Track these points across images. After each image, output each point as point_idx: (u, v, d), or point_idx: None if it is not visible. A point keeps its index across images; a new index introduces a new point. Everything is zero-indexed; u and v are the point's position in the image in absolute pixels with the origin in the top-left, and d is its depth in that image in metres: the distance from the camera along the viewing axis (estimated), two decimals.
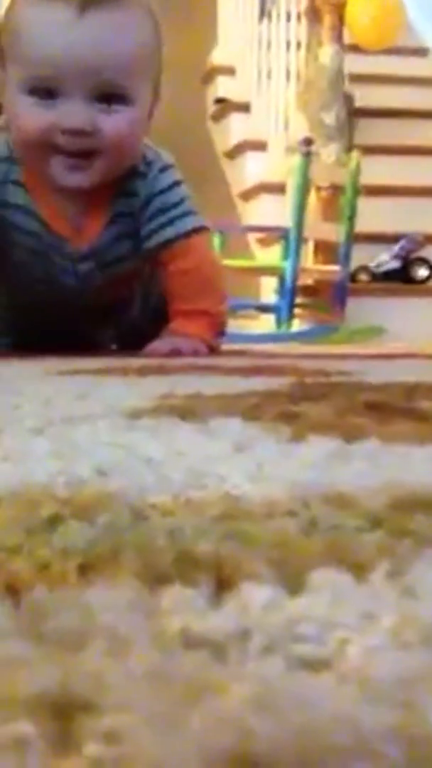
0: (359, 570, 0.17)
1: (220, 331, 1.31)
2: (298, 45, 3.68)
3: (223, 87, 4.10)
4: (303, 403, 0.44)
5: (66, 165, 1.09)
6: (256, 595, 0.15)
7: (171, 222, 1.21)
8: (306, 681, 0.12)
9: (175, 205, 1.21)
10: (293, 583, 0.16)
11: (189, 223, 1.21)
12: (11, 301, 1.34)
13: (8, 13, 1.11)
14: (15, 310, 1.35)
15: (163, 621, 0.14)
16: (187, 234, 1.21)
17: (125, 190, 1.19)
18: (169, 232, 1.21)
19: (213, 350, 1.24)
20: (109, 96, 1.08)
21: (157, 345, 1.17)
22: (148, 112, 1.16)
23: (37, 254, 1.22)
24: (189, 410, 0.42)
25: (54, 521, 0.21)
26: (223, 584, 0.16)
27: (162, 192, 1.20)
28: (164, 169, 1.22)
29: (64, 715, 0.11)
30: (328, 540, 0.18)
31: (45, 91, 1.06)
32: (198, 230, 1.23)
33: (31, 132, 1.07)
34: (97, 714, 0.11)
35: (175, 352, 1.13)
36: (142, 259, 1.25)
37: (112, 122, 1.08)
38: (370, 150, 3.33)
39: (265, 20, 3.86)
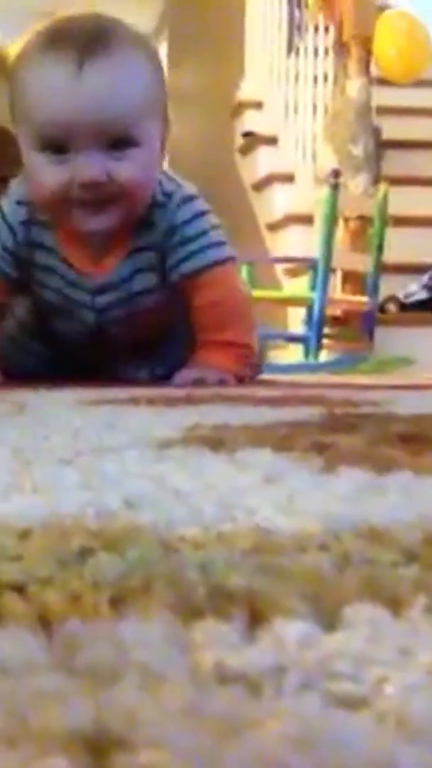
0: (395, 605, 0.16)
1: (251, 363, 1.29)
2: (326, 78, 3.71)
3: (250, 121, 4.14)
4: (333, 434, 0.43)
5: (85, 213, 1.11)
6: (291, 631, 0.15)
7: (193, 254, 1.20)
8: (343, 719, 0.12)
9: (198, 236, 1.21)
10: (328, 618, 0.16)
11: (212, 255, 1.21)
12: (42, 330, 1.35)
13: (12, 71, 1.13)
14: (47, 339, 1.35)
15: (196, 656, 0.14)
16: (210, 266, 1.20)
17: (144, 222, 1.19)
18: (191, 265, 1.20)
19: (242, 381, 1.22)
20: (120, 141, 1.09)
21: (182, 374, 1.16)
22: (161, 144, 1.17)
23: (57, 290, 1.23)
24: (218, 441, 0.42)
25: (84, 553, 0.21)
26: (256, 619, 0.16)
27: (184, 223, 1.20)
28: (186, 200, 1.22)
29: (98, 751, 0.11)
30: (362, 575, 0.18)
31: (56, 148, 1.08)
32: (223, 261, 1.22)
33: (48, 189, 1.10)
34: (131, 751, 0.11)
35: (201, 381, 1.12)
36: (171, 291, 1.24)
37: (126, 169, 1.09)
38: (397, 181, 3.35)
39: (293, 54, 3.90)
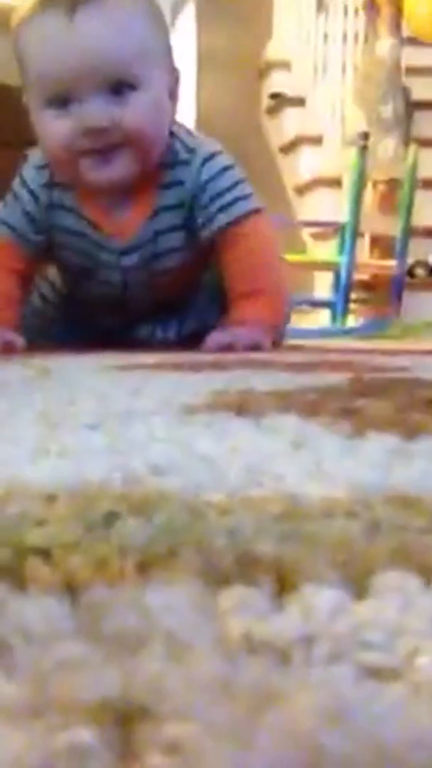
0: (426, 573, 0.16)
1: (285, 313, 1.27)
2: (356, 38, 3.65)
3: (278, 81, 4.08)
4: (361, 400, 0.43)
5: (93, 163, 1.10)
6: (320, 599, 0.14)
7: (226, 207, 1.19)
8: (375, 691, 0.11)
9: (227, 190, 1.19)
10: (358, 586, 0.15)
11: (242, 207, 1.19)
12: (67, 296, 1.34)
13: (14, 38, 1.13)
14: (72, 306, 1.35)
15: (224, 624, 0.14)
16: (244, 216, 1.19)
17: (168, 180, 1.18)
18: (225, 217, 1.19)
19: (274, 340, 1.19)
20: (120, 86, 1.08)
21: (214, 337, 1.13)
22: (169, 94, 1.15)
23: (84, 252, 1.22)
24: (244, 406, 0.41)
25: (111, 518, 0.21)
26: (284, 586, 0.16)
27: (212, 179, 1.19)
28: (211, 156, 1.20)
29: (124, 722, 0.11)
30: (392, 542, 0.18)
31: (60, 101, 1.08)
32: (252, 213, 1.20)
33: (57, 142, 1.09)
34: (157, 722, 0.11)
35: (233, 347, 1.10)
36: (197, 250, 1.22)
37: (130, 112, 1.08)
38: (428, 143, 3.29)
39: (323, 14, 3.83)
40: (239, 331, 1.13)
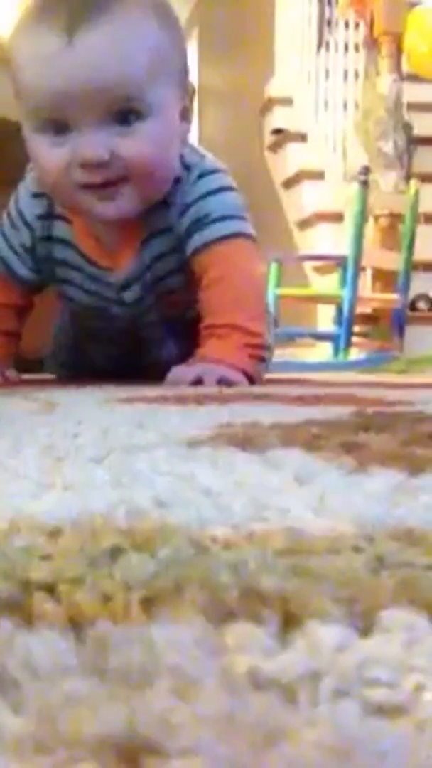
0: None
1: (260, 356, 1.08)
2: (356, 74, 3.70)
3: (280, 117, 4.13)
4: (365, 434, 0.43)
5: (94, 198, 0.99)
6: (326, 635, 0.14)
7: (201, 228, 1.06)
8: (381, 728, 0.11)
9: (213, 210, 1.06)
10: (363, 622, 0.15)
11: (222, 229, 1.06)
12: (74, 332, 1.31)
13: (9, 46, 1.01)
14: (78, 341, 1.31)
15: (229, 660, 0.14)
16: (219, 240, 1.05)
17: (157, 202, 1.05)
18: (196, 240, 1.06)
19: (252, 379, 1.03)
20: (126, 114, 0.95)
21: (176, 372, 0.99)
22: (181, 116, 1.02)
23: (84, 288, 1.14)
24: (248, 440, 0.41)
25: (115, 553, 0.21)
26: (289, 622, 0.16)
27: (201, 198, 1.06)
28: (206, 173, 1.07)
29: (130, 757, 0.11)
30: (397, 578, 0.18)
31: (56, 127, 0.96)
32: (234, 236, 1.06)
33: (51, 173, 0.98)
34: (164, 757, 0.11)
35: (199, 381, 0.96)
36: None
37: (133, 145, 0.95)
38: (429, 178, 3.32)
39: (323, 50, 3.88)
40: (208, 367, 0.99)
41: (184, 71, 1.03)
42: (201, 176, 1.07)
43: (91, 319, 1.22)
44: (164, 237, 1.09)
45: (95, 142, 0.95)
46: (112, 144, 0.95)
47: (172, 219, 1.07)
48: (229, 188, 1.09)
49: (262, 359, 1.08)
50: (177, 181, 1.05)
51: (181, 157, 1.06)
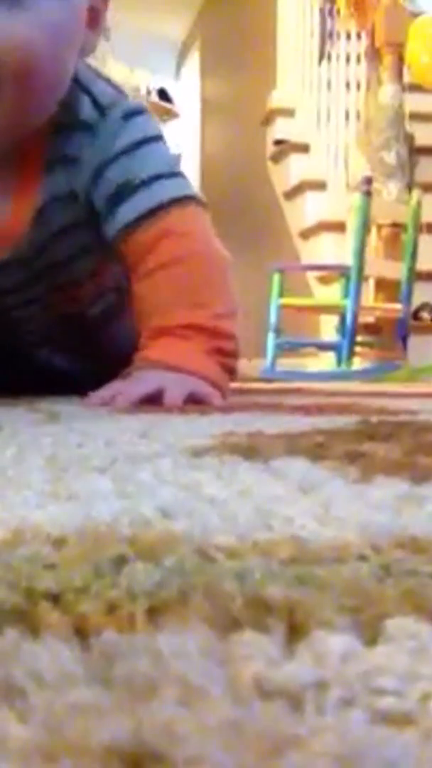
0: None
1: (231, 367, 0.80)
2: (358, 85, 3.71)
3: (282, 128, 4.14)
4: (369, 443, 0.43)
5: None
6: (332, 644, 0.14)
7: (131, 193, 0.76)
8: (388, 737, 0.11)
9: (145, 167, 0.77)
10: (369, 631, 0.15)
11: (162, 192, 0.76)
12: None
13: None
14: None
15: (235, 669, 0.14)
16: (158, 210, 0.76)
17: (60, 153, 0.77)
18: (126, 211, 0.76)
19: (221, 390, 0.76)
20: None
21: (99, 392, 0.74)
22: (89, 16, 0.74)
23: None
24: (252, 449, 0.41)
25: (120, 562, 0.21)
26: (295, 631, 0.16)
27: (126, 152, 0.76)
28: (128, 116, 0.78)
29: (135, 766, 0.11)
30: (403, 587, 0.18)
31: None
32: (180, 202, 0.77)
33: None
34: (169, 767, 0.11)
35: (154, 397, 0.70)
36: (111, 256, 0.82)
37: (16, 21, 0.66)
38: (431, 187, 3.33)
39: (325, 61, 3.90)
40: (162, 376, 0.73)
41: None
42: (123, 119, 0.78)
43: None
44: (68, 206, 0.79)
45: None
46: None
47: (80, 181, 0.77)
48: (159, 137, 0.80)
49: (232, 371, 0.80)
50: (87, 127, 0.77)
51: (90, 92, 0.78)
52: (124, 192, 0.77)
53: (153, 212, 0.76)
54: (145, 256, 0.77)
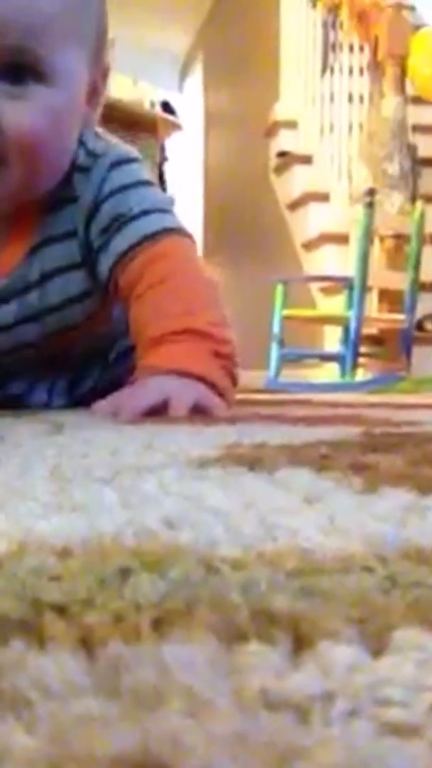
0: None
1: (232, 373, 0.80)
2: (361, 98, 3.72)
3: (285, 140, 4.16)
4: (373, 454, 0.43)
5: None
6: (338, 655, 0.14)
7: (122, 228, 0.82)
8: (394, 748, 0.11)
9: (135, 205, 0.82)
10: (375, 642, 0.15)
11: (150, 225, 0.82)
12: None
13: None
14: None
15: (241, 680, 0.14)
16: (148, 239, 0.81)
17: (57, 198, 0.83)
18: (118, 243, 0.82)
19: (222, 395, 0.76)
20: (18, 71, 0.74)
21: (101, 404, 0.74)
22: (88, 95, 0.82)
23: None
24: (256, 460, 0.41)
25: (125, 573, 0.21)
26: (301, 642, 0.16)
27: (117, 192, 0.83)
28: (119, 163, 0.84)
29: None
30: (409, 598, 0.18)
31: None
32: (168, 233, 0.82)
33: None
34: None
35: (159, 408, 0.70)
36: (107, 297, 0.86)
37: (22, 111, 0.74)
38: None
39: (328, 74, 3.92)
40: (168, 383, 0.72)
41: (100, 41, 0.83)
42: (115, 165, 0.84)
43: None
44: (64, 245, 0.84)
45: None
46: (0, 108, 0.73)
47: (77, 221, 0.83)
48: (149, 183, 0.87)
49: (233, 375, 0.80)
50: (83, 170, 0.83)
51: (83, 143, 0.84)
52: (117, 223, 0.83)
53: (144, 241, 0.81)
54: (135, 283, 0.81)
